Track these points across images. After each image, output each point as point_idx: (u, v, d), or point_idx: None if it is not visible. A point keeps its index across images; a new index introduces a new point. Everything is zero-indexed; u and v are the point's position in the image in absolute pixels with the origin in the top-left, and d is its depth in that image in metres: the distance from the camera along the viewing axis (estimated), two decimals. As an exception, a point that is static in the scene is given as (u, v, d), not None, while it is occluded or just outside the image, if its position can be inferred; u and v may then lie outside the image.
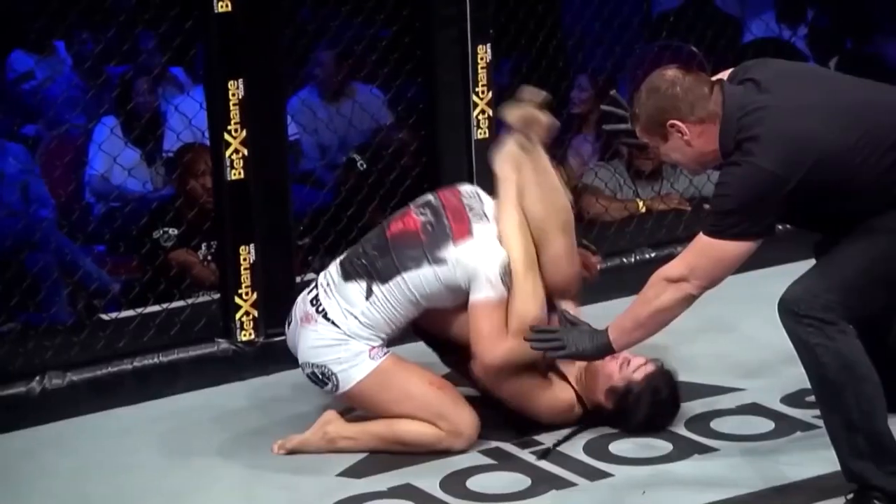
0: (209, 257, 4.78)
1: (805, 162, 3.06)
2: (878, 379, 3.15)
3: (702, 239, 3.20)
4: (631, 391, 3.65)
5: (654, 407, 3.67)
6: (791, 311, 3.16)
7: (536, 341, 3.45)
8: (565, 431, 3.70)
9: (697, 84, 3.19)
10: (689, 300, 3.24)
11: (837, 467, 3.37)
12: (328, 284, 3.71)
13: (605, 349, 3.37)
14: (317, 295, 3.70)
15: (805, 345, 3.14)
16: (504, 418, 3.74)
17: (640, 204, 5.37)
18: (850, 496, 3.16)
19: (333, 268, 3.75)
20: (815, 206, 3.17)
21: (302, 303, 3.74)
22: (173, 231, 4.79)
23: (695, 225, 5.12)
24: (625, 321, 3.33)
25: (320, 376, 3.64)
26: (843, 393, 3.10)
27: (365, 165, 5.10)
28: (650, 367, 3.70)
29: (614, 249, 4.95)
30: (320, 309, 3.65)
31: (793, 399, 3.87)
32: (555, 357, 3.56)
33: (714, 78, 3.30)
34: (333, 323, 3.62)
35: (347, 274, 3.68)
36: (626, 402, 3.66)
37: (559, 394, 3.70)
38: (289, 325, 3.79)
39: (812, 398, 3.82)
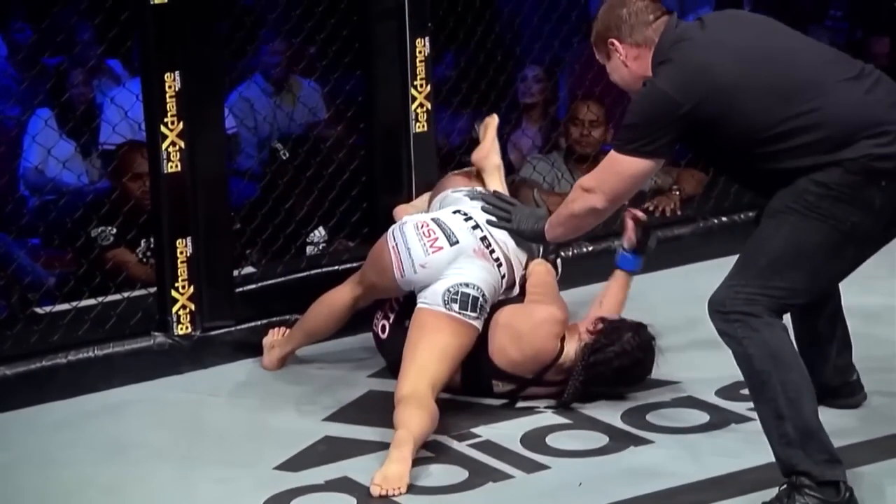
0: (148, 254, 4.74)
1: (697, 90, 3.19)
2: (804, 367, 3.20)
3: (609, 153, 3.38)
4: (620, 327, 3.81)
5: (636, 341, 3.81)
6: (717, 311, 3.24)
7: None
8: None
9: (645, 11, 3.37)
10: (595, 212, 3.47)
11: (772, 459, 3.41)
12: (498, 240, 3.88)
13: (539, 235, 3.79)
14: (486, 237, 3.87)
15: (733, 339, 3.21)
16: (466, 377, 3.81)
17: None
18: (783, 486, 3.20)
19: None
20: (722, 148, 3.26)
21: (469, 234, 3.85)
22: (111, 230, 4.75)
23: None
24: (553, 217, 3.71)
25: (478, 303, 3.73)
26: (769, 382, 3.15)
27: (287, 155, 5.09)
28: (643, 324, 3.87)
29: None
30: (495, 257, 3.85)
31: (727, 392, 3.91)
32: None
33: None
34: (500, 275, 3.85)
35: (519, 242, 3.93)
36: (613, 331, 3.80)
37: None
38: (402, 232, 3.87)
39: (746, 391, 3.88)
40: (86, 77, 5.74)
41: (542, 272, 4.00)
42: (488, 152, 4.27)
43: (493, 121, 4.33)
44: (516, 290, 3.96)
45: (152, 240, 4.45)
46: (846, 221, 3.17)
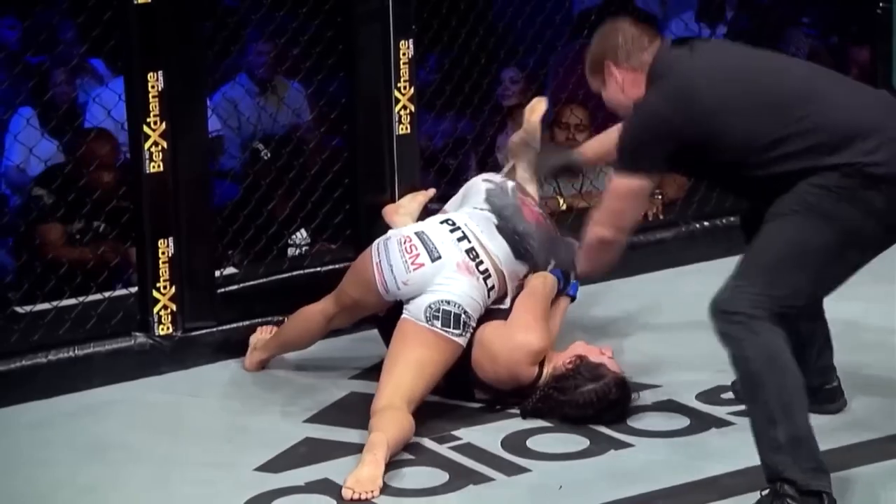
0: (77, 236, 4.70)
1: (686, 109, 3.24)
2: (799, 374, 3.20)
3: (612, 181, 3.39)
4: (595, 370, 3.75)
5: (596, 397, 3.72)
6: (722, 311, 3.23)
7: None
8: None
9: (640, 36, 3.41)
10: (605, 243, 3.43)
11: (751, 463, 3.42)
12: (489, 251, 3.83)
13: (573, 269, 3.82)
14: (473, 249, 3.82)
15: (733, 340, 3.20)
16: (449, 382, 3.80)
17: (561, 201, 5.40)
18: (765, 492, 3.20)
19: (487, 228, 3.88)
20: (716, 164, 3.30)
21: (454, 247, 3.81)
22: (50, 198, 4.71)
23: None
24: (579, 254, 3.64)
25: (460, 320, 3.71)
26: (764, 385, 3.15)
27: (269, 155, 5.08)
28: (621, 374, 3.79)
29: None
30: (482, 269, 3.80)
31: (708, 396, 3.91)
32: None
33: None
34: (488, 287, 3.81)
35: (518, 253, 3.87)
36: (584, 373, 3.74)
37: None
38: (386, 246, 3.85)
39: (727, 395, 3.90)
40: (68, 76, 5.73)
41: (536, 287, 3.94)
42: (531, 135, 4.23)
43: (540, 104, 4.29)
44: (507, 303, 3.91)
45: (98, 224, 4.45)
46: (848, 221, 3.19)
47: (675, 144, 3.26)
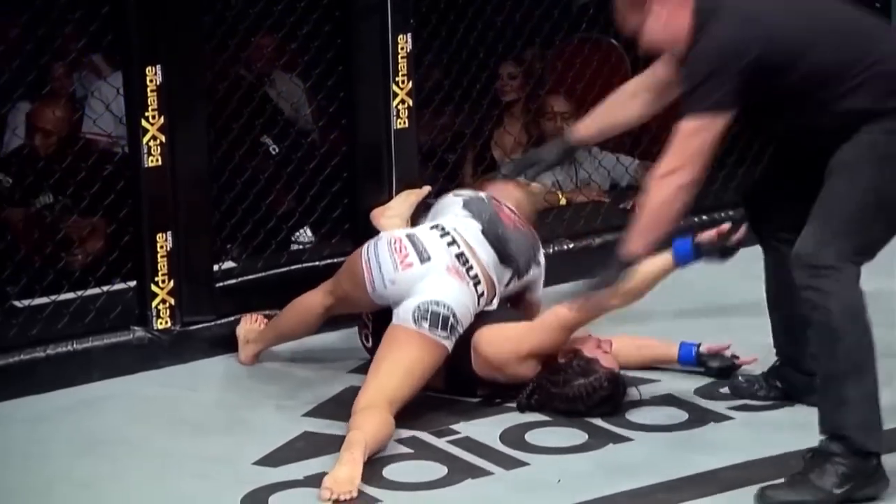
0: (44, 213, 4.69)
1: (763, 34, 3.17)
2: (872, 333, 3.18)
3: (678, 126, 3.26)
4: (586, 364, 3.74)
5: (587, 390, 3.72)
6: (808, 264, 3.17)
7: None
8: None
9: None
10: (684, 189, 3.27)
11: (749, 457, 3.43)
12: (478, 257, 3.82)
13: (620, 261, 3.37)
14: (463, 254, 3.81)
15: (818, 292, 3.15)
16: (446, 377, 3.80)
17: (560, 196, 5.40)
18: (809, 455, 3.22)
19: (474, 234, 3.88)
20: (783, 97, 3.23)
21: (444, 251, 3.80)
22: (7, 182, 4.70)
23: (612, 216, 5.20)
24: (634, 228, 3.36)
25: (448, 322, 3.70)
26: (843, 340, 3.14)
27: (277, 150, 5.07)
28: (616, 368, 3.78)
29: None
30: (472, 274, 3.80)
31: (707, 391, 3.92)
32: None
33: None
34: (478, 294, 3.80)
35: (504, 258, 3.88)
36: (576, 367, 3.73)
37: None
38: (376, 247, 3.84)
39: (726, 389, 3.90)
40: (66, 70, 5.71)
41: (550, 322, 3.81)
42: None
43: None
44: (495, 304, 3.90)
45: (57, 198, 4.43)
46: None
47: (750, 74, 3.17)
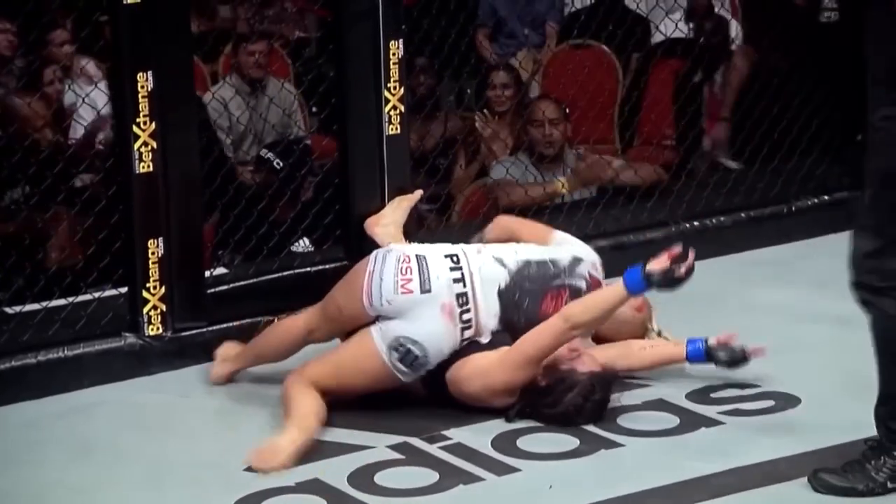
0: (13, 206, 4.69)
1: None
2: None
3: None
4: (568, 378, 3.70)
5: (579, 403, 3.70)
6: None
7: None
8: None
9: None
10: None
11: (741, 463, 3.43)
12: (479, 304, 3.74)
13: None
14: (465, 295, 3.72)
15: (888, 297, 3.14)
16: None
17: (562, 185, 5.35)
18: (870, 445, 3.25)
19: (491, 285, 3.77)
20: None
21: (446, 286, 3.71)
22: None
23: (604, 221, 5.20)
24: None
25: (416, 361, 3.70)
26: None
27: (281, 164, 5.08)
28: (595, 368, 3.74)
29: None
30: (465, 318, 3.72)
31: (698, 395, 3.92)
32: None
33: None
34: (462, 338, 3.73)
35: (506, 317, 3.77)
36: (559, 385, 3.70)
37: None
38: (383, 262, 3.77)
39: (717, 394, 3.91)
40: (57, 76, 5.71)
41: (514, 359, 3.71)
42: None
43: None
44: (485, 338, 3.77)
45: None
46: None
47: None
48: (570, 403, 3.70)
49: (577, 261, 3.87)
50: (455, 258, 3.77)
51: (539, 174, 5.37)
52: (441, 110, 5.83)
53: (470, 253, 3.81)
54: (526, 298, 3.77)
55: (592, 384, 3.72)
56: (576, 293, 3.80)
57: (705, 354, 3.97)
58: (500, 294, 3.77)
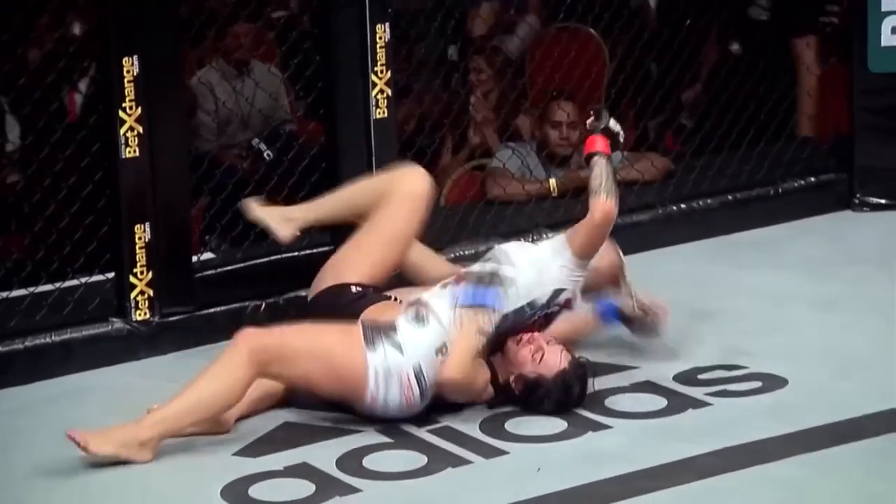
0: None
1: None
2: None
3: None
4: (541, 385, 3.69)
5: (561, 401, 3.70)
6: None
7: None
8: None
9: None
10: None
11: (728, 444, 3.44)
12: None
13: None
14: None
15: None
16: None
17: (552, 184, 5.32)
18: None
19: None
20: None
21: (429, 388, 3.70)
22: None
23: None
24: None
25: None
26: None
27: (272, 155, 5.07)
28: (564, 363, 3.71)
29: (512, 229, 4.99)
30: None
31: (685, 377, 3.92)
32: None
33: None
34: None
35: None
36: (534, 393, 3.69)
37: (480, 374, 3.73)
38: None
39: (705, 376, 3.92)
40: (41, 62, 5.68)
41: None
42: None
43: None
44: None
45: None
46: None
47: None
48: (551, 406, 3.69)
49: (557, 292, 3.81)
50: (444, 348, 3.67)
51: (539, 166, 5.33)
52: (427, 93, 5.82)
53: (453, 334, 3.68)
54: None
55: (566, 384, 3.70)
56: (549, 318, 3.82)
57: (616, 313, 3.96)
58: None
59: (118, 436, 3.50)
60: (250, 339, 3.59)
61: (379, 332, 3.66)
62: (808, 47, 6.09)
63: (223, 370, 3.55)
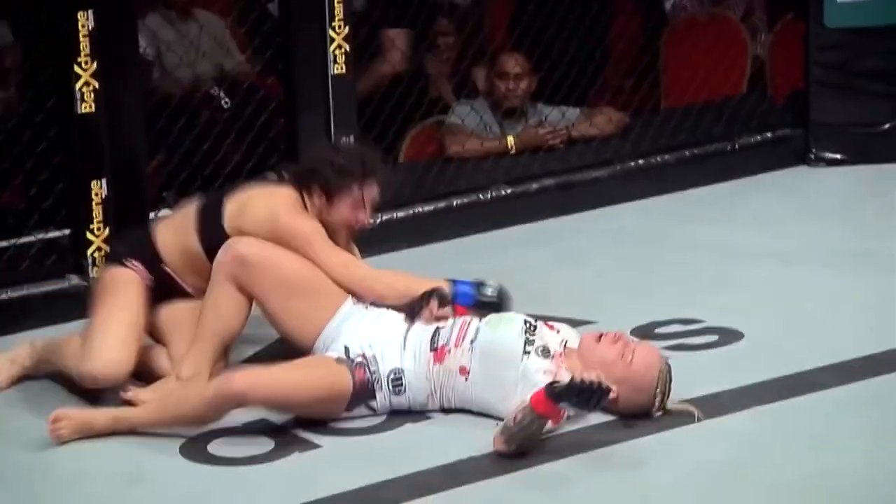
0: None
1: None
2: None
3: None
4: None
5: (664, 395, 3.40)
6: None
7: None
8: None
9: None
10: None
11: (683, 397, 3.46)
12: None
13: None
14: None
15: None
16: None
17: (511, 141, 5.31)
18: None
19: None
20: None
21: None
22: None
23: (550, 161, 5.21)
24: None
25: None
26: None
27: (228, 103, 5.03)
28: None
29: (471, 186, 5.00)
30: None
31: (643, 331, 3.94)
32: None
33: None
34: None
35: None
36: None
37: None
38: None
39: (662, 330, 3.94)
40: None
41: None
42: None
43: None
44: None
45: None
46: None
47: None
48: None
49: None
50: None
51: (499, 126, 5.32)
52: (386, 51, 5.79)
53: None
54: None
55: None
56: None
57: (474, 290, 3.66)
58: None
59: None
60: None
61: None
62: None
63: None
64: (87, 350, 3.56)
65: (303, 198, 3.65)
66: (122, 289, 3.65)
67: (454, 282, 3.64)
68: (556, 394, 3.13)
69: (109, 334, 3.57)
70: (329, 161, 3.64)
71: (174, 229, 3.71)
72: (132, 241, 3.76)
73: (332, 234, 3.65)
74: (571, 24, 5.44)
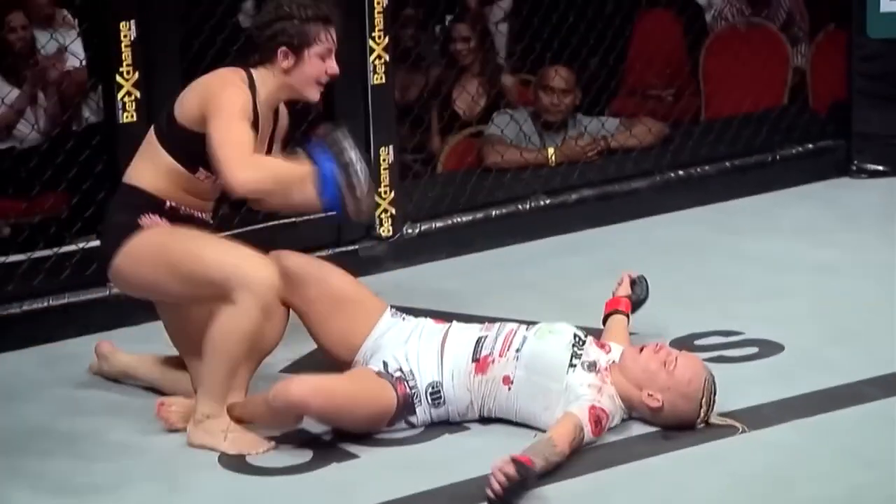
0: None
1: None
2: None
3: None
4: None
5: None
6: None
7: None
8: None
9: None
10: None
11: (723, 410, 3.44)
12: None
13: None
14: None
15: None
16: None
17: (550, 153, 5.30)
18: None
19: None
20: None
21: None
22: None
23: (589, 171, 5.20)
24: None
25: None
26: None
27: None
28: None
29: (510, 196, 4.99)
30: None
31: (682, 342, 3.92)
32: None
33: None
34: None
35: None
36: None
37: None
38: None
39: (701, 342, 3.93)
40: (25, 23, 5.61)
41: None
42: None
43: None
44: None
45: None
46: None
47: None
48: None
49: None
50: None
51: (539, 137, 5.31)
52: (425, 60, 5.81)
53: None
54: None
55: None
56: None
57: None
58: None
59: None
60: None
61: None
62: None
63: None
64: (228, 276, 3.32)
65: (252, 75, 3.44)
66: (174, 231, 3.46)
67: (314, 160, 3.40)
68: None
69: (232, 248, 3.41)
70: (289, 16, 3.44)
71: (144, 159, 3.52)
72: (123, 204, 3.52)
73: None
74: (609, 32, 5.43)
